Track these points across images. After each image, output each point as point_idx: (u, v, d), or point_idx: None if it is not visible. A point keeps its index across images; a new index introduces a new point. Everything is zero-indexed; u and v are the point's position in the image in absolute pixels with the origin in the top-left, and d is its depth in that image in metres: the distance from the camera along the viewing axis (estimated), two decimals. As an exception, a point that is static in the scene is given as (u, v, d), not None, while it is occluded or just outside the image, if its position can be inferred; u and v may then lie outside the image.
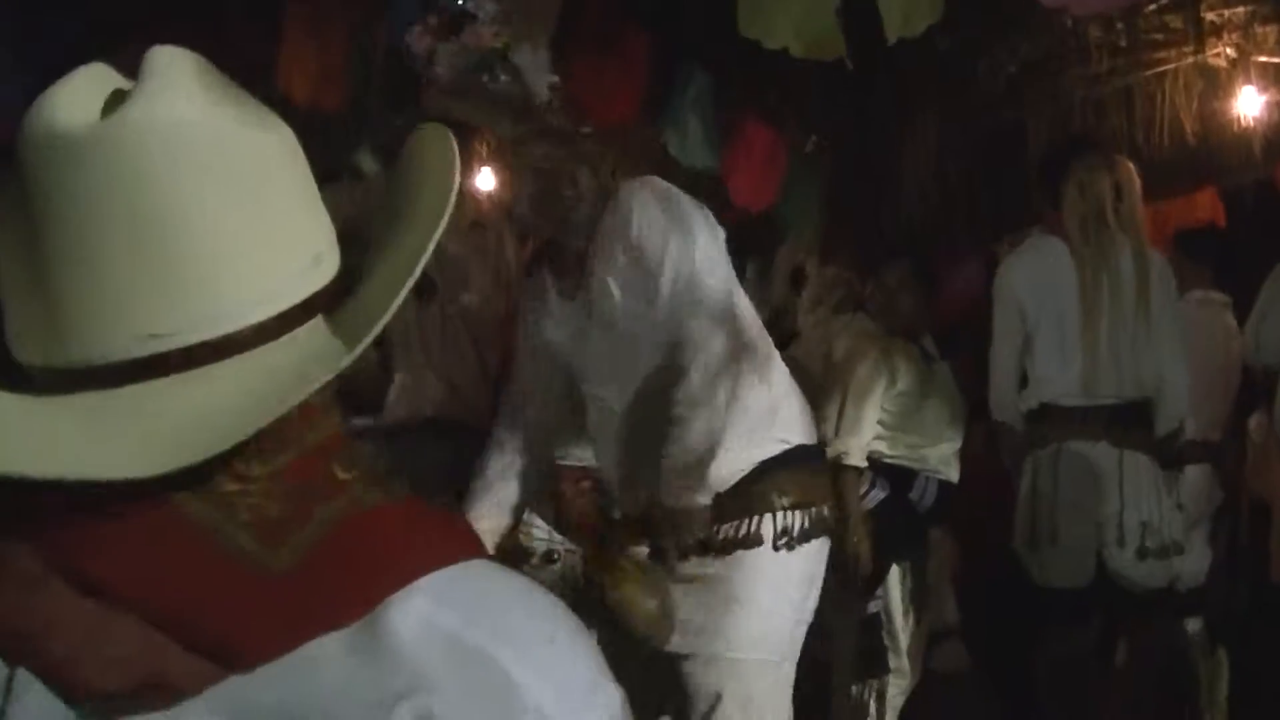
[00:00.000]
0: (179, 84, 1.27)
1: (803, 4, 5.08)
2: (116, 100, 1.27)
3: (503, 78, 4.13)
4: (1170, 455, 5.57)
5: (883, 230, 7.84)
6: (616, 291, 4.04)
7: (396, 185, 1.46)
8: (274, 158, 1.31)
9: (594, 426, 4.31)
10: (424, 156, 1.44)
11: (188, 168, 1.24)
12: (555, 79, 4.22)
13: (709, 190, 7.56)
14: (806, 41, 5.12)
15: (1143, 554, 5.29)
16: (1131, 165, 5.51)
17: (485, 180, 8.54)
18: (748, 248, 8.96)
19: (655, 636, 4.00)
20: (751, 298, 8.21)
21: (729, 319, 4.04)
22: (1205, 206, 8.88)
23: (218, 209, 1.25)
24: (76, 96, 1.27)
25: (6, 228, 1.28)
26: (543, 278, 4.31)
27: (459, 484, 4.42)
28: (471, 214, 5.16)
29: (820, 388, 5.87)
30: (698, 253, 4.04)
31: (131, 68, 1.32)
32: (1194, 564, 6.35)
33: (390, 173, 1.49)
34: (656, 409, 4.03)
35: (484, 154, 8.47)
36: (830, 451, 5.64)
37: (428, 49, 4.13)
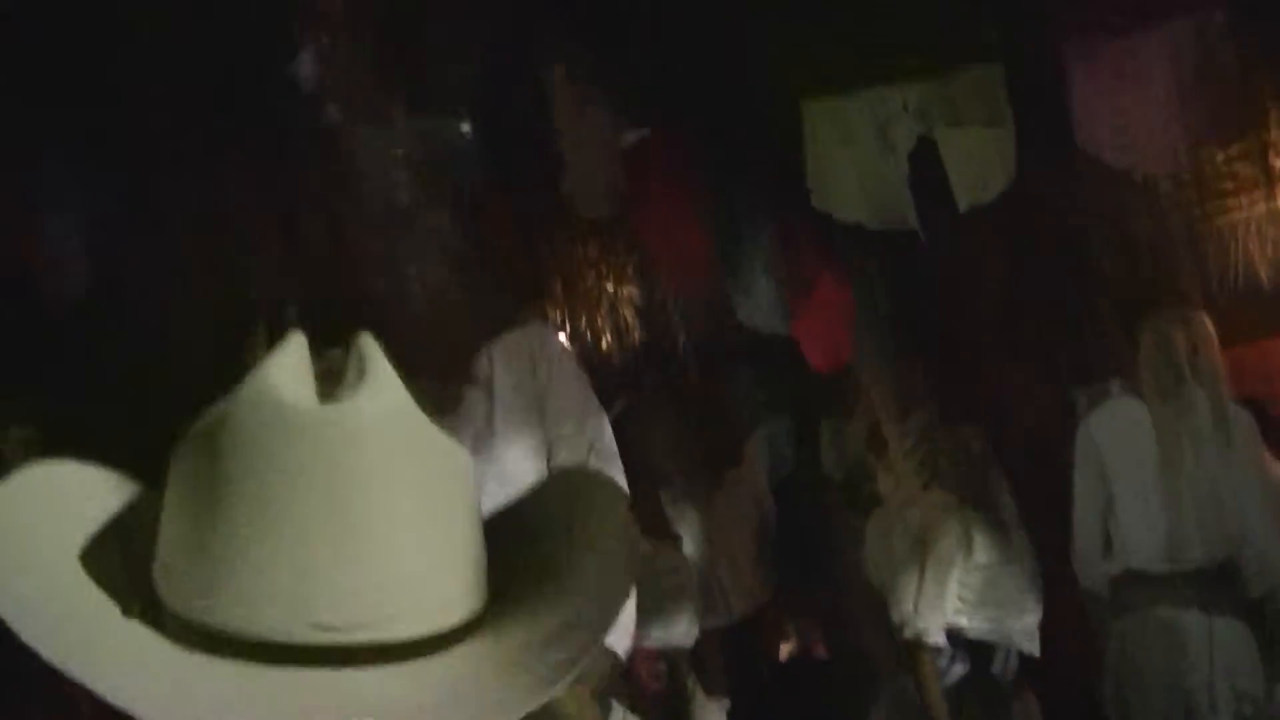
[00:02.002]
0: (395, 381, 1.32)
1: (873, 178, 5.11)
2: (330, 381, 1.32)
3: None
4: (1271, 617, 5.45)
5: (958, 386, 7.77)
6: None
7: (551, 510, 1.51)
8: (462, 470, 1.35)
9: None
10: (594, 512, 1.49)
11: (401, 466, 1.27)
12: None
13: (780, 352, 7.55)
14: (878, 214, 5.14)
15: (1240, 721, 5.16)
16: (1206, 318, 5.45)
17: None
18: (822, 409, 8.93)
19: None
20: (827, 459, 8.17)
21: None
22: (1283, 354, 8.81)
23: (415, 513, 1.27)
24: (294, 373, 1.31)
25: (186, 479, 1.30)
26: None
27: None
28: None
29: (898, 562, 5.80)
30: None
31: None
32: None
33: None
34: None
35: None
36: (909, 630, 5.55)
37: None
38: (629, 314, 8.74)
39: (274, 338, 4.32)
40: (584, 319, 8.64)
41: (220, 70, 5.38)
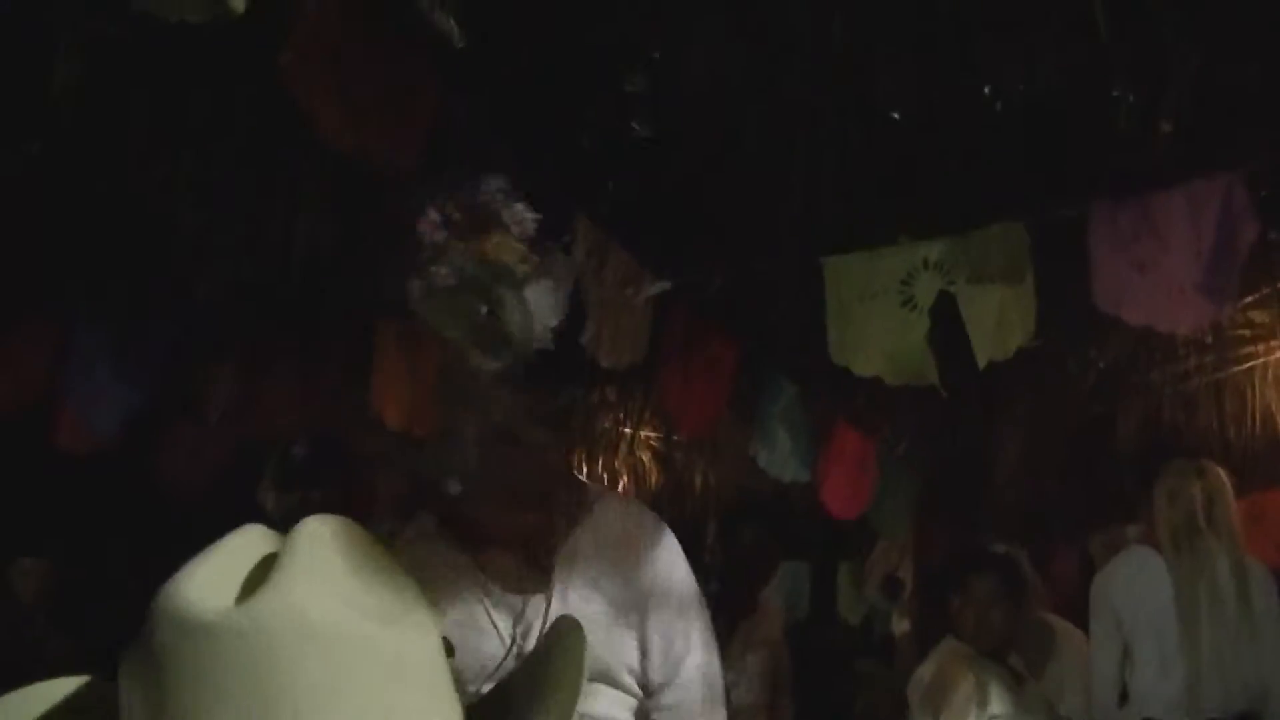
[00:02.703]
0: (317, 570, 1.31)
1: (893, 334, 5.16)
2: (256, 579, 1.31)
3: (483, 309, 3.92)
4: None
5: (976, 533, 7.80)
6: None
7: (532, 668, 1.55)
8: (406, 654, 1.33)
9: None
10: (556, 652, 1.51)
11: (316, 664, 1.26)
12: (555, 324, 4.20)
13: (800, 499, 7.59)
14: (898, 369, 5.19)
15: None
16: (1221, 471, 5.49)
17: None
18: (840, 553, 8.96)
19: None
20: (844, 603, 8.16)
21: None
22: (1303, 500, 8.81)
23: (342, 708, 1.26)
24: (216, 573, 1.31)
25: (138, 689, 1.30)
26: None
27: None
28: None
29: (912, 711, 5.80)
30: None
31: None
32: None
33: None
34: None
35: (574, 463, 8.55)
36: (926, 782, 5.55)
37: (437, 245, 3.96)
38: (646, 458, 8.80)
39: (282, 481, 4.34)
40: (601, 461, 8.70)
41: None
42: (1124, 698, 5.47)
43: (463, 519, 3.61)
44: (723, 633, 5.73)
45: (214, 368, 6.91)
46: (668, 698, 3.60)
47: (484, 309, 3.60)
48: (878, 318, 5.28)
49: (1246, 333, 8.12)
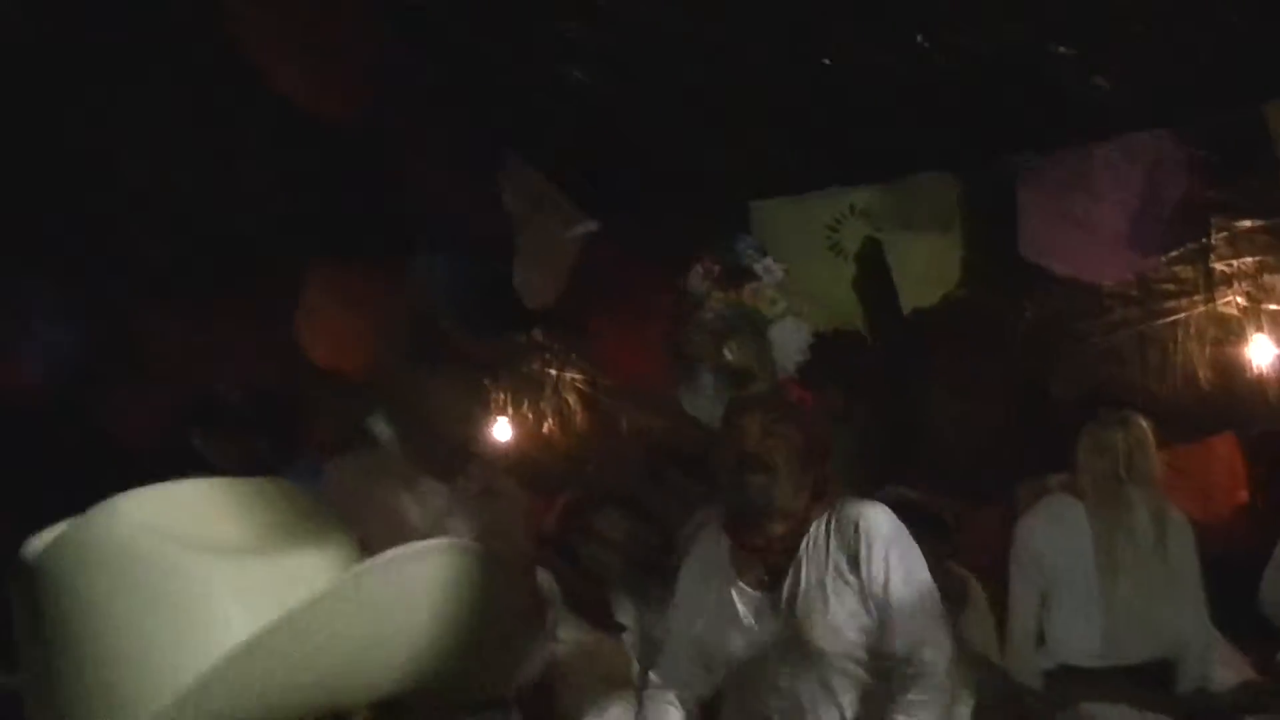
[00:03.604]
0: (128, 505, 1.35)
1: (819, 278, 5.18)
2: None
3: (732, 349, 4.25)
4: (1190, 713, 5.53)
5: (908, 483, 7.84)
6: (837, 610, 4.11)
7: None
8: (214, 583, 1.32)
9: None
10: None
11: (104, 591, 1.30)
12: (802, 359, 4.33)
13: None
14: (825, 314, 5.21)
15: (1167, 816, 5.22)
16: (1144, 421, 5.52)
17: (502, 431, 8.57)
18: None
19: None
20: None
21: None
22: (1224, 452, 8.89)
23: (130, 630, 1.29)
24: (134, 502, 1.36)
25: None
26: (720, 554, 4.33)
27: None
28: (481, 479, 5.07)
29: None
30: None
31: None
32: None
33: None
34: None
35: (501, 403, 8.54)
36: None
37: (703, 292, 4.21)
38: (573, 399, 8.79)
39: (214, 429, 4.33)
40: (526, 403, 8.68)
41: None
42: (1041, 642, 5.51)
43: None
44: (649, 575, 5.76)
45: (155, 315, 6.86)
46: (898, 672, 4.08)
47: (728, 351, 4.02)
48: (805, 263, 5.30)
49: (1172, 287, 8.18)
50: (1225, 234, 7.72)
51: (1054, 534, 5.51)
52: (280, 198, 5.87)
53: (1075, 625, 5.39)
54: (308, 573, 1.35)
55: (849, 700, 4.10)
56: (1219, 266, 8.02)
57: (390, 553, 1.32)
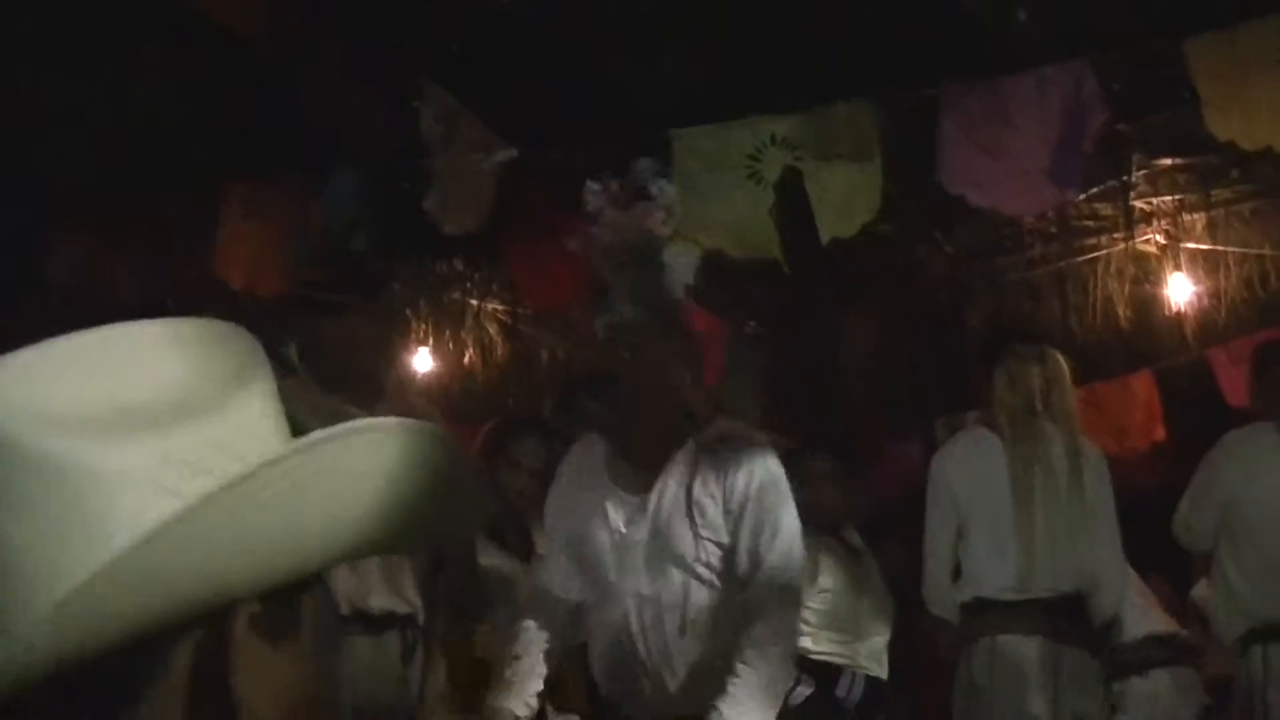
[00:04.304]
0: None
1: (737, 206, 5.15)
2: None
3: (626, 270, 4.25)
4: (1103, 645, 5.58)
5: (822, 412, 7.86)
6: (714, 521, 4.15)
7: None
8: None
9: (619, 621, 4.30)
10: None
11: None
12: (691, 283, 4.31)
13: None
14: (742, 242, 5.20)
15: (1080, 748, 5.26)
16: (1060, 357, 5.53)
17: (424, 361, 8.54)
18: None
19: None
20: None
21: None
22: (1141, 389, 8.97)
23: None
24: None
25: None
26: (597, 462, 4.36)
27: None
28: (397, 405, 5.02)
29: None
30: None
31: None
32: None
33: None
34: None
35: (422, 332, 8.50)
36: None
37: (598, 210, 4.18)
38: (493, 330, 8.76)
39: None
40: (447, 333, 8.64)
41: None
42: (957, 575, 5.53)
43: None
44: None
45: (58, 239, 6.76)
46: (752, 595, 4.10)
47: (622, 271, 4.01)
48: (723, 191, 5.28)
49: (1091, 224, 8.23)
50: (1145, 172, 7.76)
51: (969, 467, 5.52)
52: (192, 115, 5.78)
53: (990, 558, 5.40)
54: (229, 438, 1.18)
55: (701, 610, 4.15)
56: (1139, 204, 8.07)
57: (340, 428, 1.16)
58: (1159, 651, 6.79)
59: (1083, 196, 7.38)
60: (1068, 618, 5.35)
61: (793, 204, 5.36)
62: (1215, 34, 5.45)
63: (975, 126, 5.60)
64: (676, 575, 4.14)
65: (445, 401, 7.32)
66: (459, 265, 8.16)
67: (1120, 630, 5.78)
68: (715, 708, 3.94)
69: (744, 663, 4.00)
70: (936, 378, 8.58)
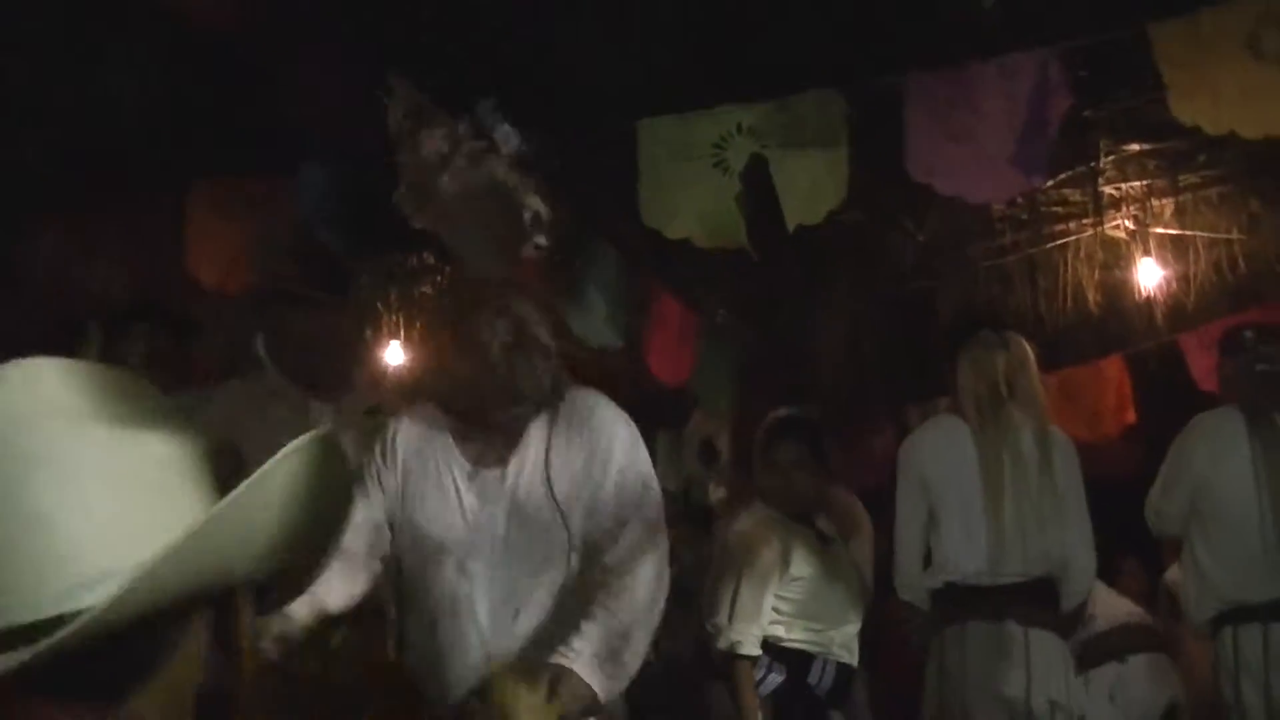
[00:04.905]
0: None
1: (703, 195, 5.17)
2: None
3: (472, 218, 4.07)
4: (1073, 629, 5.62)
5: (793, 401, 7.87)
6: (561, 486, 3.97)
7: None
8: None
9: (442, 599, 4.04)
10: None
11: None
12: (544, 240, 4.21)
13: (612, 364, 7.60)
14: (709, 231, 5.20)
15: (1053, 732, 5.29)
16: (1025, 343, 5.56)
17: (395, 354, 8.55)
18: (658, 420, 8.99)
19: None
20: (662, 471, 8.18)
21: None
22: (1111, 374, 9.02)
23: None
24: None
25: None
26: (439, 435, 4.12)
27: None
28: (367, 398, 5.01)
29: (715, 573, 5.86)
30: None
31: None
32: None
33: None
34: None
35: (393, 326, 8.50)
36: (722, 641, 5.61)
37: (440, 154, 4.05)
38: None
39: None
40: (418, 326, 8.65)
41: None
42: (927, 562, 5.56)
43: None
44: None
45: (31, 234, 6.74)
46: (612, 559, 3.87)
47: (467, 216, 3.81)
48: (690, 180, 5.29)
49: (1060, 210, 8.26)
50: (1113, 157, 7.78)
51: (938, 453, 5.55)
52: (159, 110, 5.76)
53: (961, 544, 5.43)
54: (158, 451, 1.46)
55: (550, 581, 3.94)
56: (1107, 190, 8.09)
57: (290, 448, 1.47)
58: (1132, 638, 6.84)
59: (1051, 183, 7.41)
60: (1038, 602, 5.39)
61: (759, 192, 5.38)
62: (1179, 19, 5.46)
63: (941, 115, 5.62)
64: (537, 550, 3.95)
65: (416, 395, 7.32)
66: (430, 258, 8.16)
67: (1091, 616, 5.82)
68: (566, 642, 3.73)
69: (600, 606, 3.78)
70: (908, 365, 8.61)
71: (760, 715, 5.59)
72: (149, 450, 1.44)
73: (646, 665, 4.02)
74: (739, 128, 5.40)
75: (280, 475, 1.46)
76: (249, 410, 4.65)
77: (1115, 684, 7.02)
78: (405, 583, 4.11)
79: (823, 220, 5.35)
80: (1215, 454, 5.83)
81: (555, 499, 3.95)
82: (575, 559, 3.94)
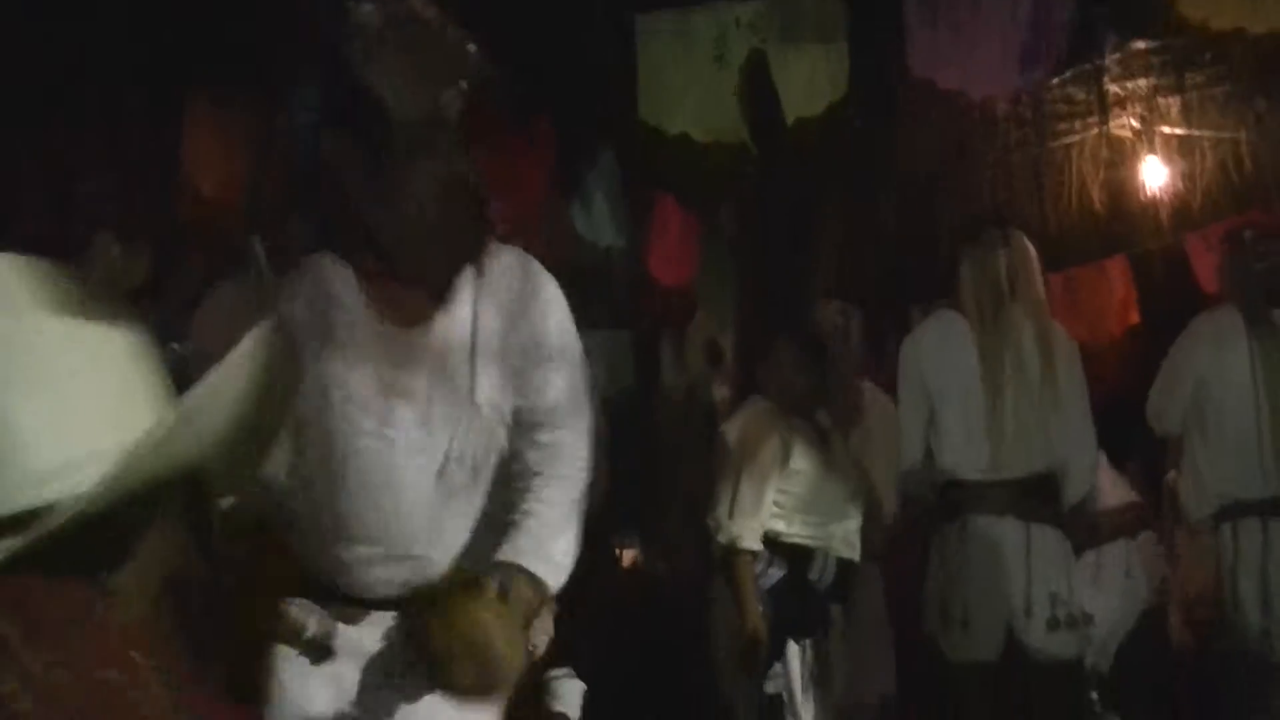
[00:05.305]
0: None
1: (702, 89, 5.15)
2: None
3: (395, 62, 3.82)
4: (1077, 525, 5.64)
5: (799, 301, 7.85)
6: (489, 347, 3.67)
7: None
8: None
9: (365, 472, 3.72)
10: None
11: None
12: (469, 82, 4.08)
13: (618, 265, 7.60)
14: (708, 126, 5.19)
15: (1053, 625, 5.30)
16: (1027, 241, 5.54)
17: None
18: (663, 322, 9.01)
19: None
20: (667, 372, 8.15)
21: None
22: (1116, 275, 8.99)
23: None
24: None
25: None
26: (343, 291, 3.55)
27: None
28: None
29: (715, 469, 5.87)
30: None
31: None
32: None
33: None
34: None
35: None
36: (723, 536, 5.63)
37: None
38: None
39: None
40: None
41: None
42: (929, 458, 5.57)
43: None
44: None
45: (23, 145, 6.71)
46: (542, 436, 3.55)
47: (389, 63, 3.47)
48: (688, 75, 5.27)
49: (1065, 108, 8.21)
50: (1118, 55, 7.72)
51: (939, 350, 5.55)
52: (154, 24, 5.74)
53: (962, 442, 5.44)
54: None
55: (484, 462, 3.70)
56: (1113, 88, 8.03)
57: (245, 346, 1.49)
58: (1125, 519, 6.87)
59: (1056, 81, 7.36)
60: (1039, 496, 5.40)
61: (758, 86, 5.35)
62: (1185, -88, 5.42)
63: (943, 7, 5.58)
64: (461, 421, 3.51)
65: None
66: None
67: (1091, 508, 5.84)
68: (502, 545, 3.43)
69: (535, 492, 3.49)
70: (912, 264, 8.58)
71: (760, 610, 5.62)
72: (105, 341, 1.47)
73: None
74: (737, 22, 5.37)
75: (248, 365, 1.49)
76: (241, 308, 4.65)
77: (1111, 564, 7.09)
78: (308, 453, 3.56)
79: (823, 115, 5.33)
80: (1214, 353, 5.83)
81: (476, 361, 3.50)
82: (503, 432, 3.65)
